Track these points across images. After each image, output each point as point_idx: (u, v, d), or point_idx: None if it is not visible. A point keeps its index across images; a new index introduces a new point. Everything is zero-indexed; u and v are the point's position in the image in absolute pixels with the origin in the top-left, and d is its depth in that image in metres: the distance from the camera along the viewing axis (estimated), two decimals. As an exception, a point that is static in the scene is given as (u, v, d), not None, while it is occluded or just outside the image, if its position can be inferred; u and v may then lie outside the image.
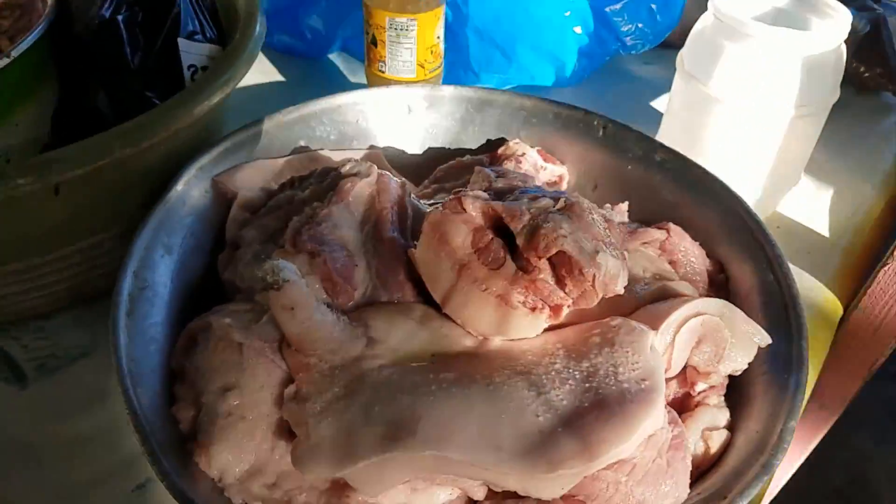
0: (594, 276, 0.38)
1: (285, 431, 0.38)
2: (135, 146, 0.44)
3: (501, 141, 0.63)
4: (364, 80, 0.86)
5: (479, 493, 0.36)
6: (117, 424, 0.47)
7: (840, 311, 0.64)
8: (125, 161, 0.44)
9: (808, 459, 0.77)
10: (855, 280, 0.67)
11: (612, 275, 0.38)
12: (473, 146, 0.64)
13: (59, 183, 0.41)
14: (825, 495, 1.01)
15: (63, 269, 0.49)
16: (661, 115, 0.89)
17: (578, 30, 0.79)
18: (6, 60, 0.45)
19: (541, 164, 0.60)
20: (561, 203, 0.41)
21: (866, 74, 0.90)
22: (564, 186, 0.61)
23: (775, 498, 0.77)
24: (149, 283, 0.43)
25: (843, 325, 0.63)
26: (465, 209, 0.43)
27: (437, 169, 0.61)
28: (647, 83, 0.94)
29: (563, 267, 0.39)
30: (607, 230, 0.42)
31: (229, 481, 0.36)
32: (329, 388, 0.37)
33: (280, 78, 0.88)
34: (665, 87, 0.93)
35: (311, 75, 0.89)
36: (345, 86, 0.88)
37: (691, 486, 0.37)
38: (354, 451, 0.34)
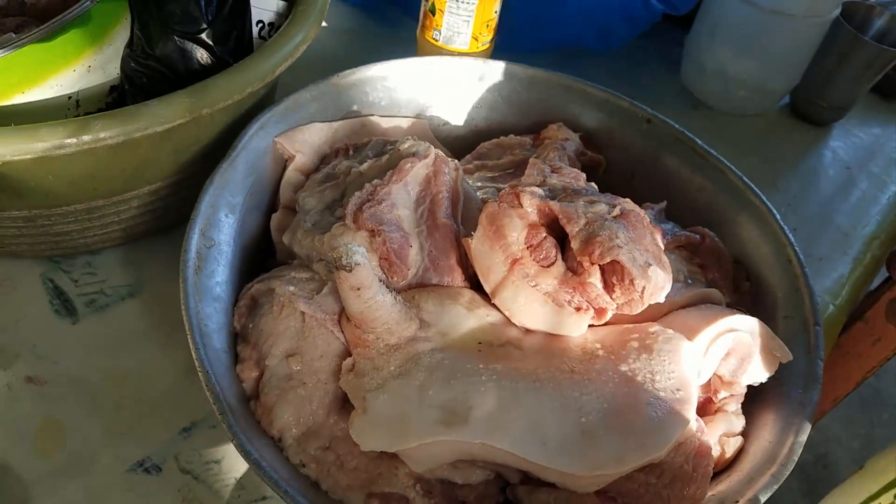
0: (644, 287, 0.40)
1: (340, 399, 0.41)
2: (210, 107, 0.45)
3: (545, 122, 0.64)
4: (404, 32, 0.86)
5: (515, 478, 0.40)
6: (162, 367, 0.50)
7: (844, 318, 0.67)
8: (197, 118, 0.45)
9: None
10: (861, 289, 0.70)
11: (659, 287, 0.41)
12: (516, 123, 0.65)
13: (138, 137, 0.42)
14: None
15: (122, 212, 0.51)
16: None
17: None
18: (88, 3, 0.45)
19: (581, 151, 0.62)
20: (616, 211, 0.43)
21: (897, 82, 0.91)
22: (600, 173, 0.63)
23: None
24: (215, 241, 0.44)
25: (846, 332, 0.66)
26: (521, 204, 0.45)
27: (480, 145, 0.62)
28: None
29: (613, 274, 0.42)
30: (654, 239, 0.45)
31: (289, 442, 0.39)
32: (385, 366, 0.40)
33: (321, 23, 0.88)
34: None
35: (353, 24, 0.89)
36: (387, 38, 0.87)
37: (706, 486, 0.41)
38: (410, 432, 0.37)
